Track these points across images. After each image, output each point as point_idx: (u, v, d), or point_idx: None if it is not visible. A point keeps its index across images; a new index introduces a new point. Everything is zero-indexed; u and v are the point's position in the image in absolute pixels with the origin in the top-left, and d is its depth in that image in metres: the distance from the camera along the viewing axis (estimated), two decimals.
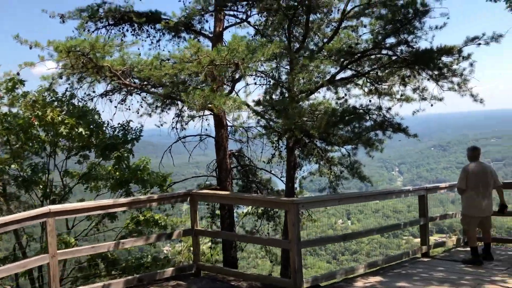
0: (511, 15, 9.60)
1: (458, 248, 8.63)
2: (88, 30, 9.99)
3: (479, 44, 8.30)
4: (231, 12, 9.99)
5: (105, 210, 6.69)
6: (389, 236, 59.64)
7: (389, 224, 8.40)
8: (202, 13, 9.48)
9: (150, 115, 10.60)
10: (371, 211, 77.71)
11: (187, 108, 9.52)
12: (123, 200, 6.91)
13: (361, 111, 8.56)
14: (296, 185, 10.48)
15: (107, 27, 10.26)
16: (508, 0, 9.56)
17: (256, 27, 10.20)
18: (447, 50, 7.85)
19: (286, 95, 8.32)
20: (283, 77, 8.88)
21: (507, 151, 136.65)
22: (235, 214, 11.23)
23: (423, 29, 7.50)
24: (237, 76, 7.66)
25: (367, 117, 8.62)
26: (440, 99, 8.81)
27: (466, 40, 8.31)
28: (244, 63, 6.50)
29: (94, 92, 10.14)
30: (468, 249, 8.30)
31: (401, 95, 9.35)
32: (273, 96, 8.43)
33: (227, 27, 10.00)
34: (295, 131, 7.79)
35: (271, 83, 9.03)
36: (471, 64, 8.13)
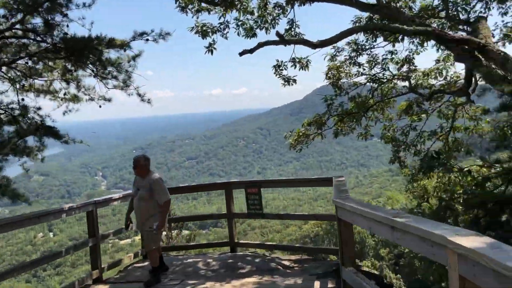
0: (181, 15, 9.69)
1: (135, 265, 7.71)
2: None
3: (147, 40, 7.77)
4: None
5: None
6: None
7: (50, 254, 6.63)
8: None
9: None
10: (75, 219, 72.89)
11: None
12: None
13: (0, 111, 6.51)
14: None
15: None
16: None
17: None
18: (109, 42, 6.80)
19: None
20: None
21: (199, 150, 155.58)
22: None
23: (70, 7, 6.13)
24: None
25: (14, 120, 6.65)
26: (109, 100, 7.78)
27: (134, 34, 7.62)
28: None
29: None
30: (146, 263, 7.52)
31: (65, 94, 7.85)
32: None
33: None
34: None
35: None
36: (134, 58, 7.36)
